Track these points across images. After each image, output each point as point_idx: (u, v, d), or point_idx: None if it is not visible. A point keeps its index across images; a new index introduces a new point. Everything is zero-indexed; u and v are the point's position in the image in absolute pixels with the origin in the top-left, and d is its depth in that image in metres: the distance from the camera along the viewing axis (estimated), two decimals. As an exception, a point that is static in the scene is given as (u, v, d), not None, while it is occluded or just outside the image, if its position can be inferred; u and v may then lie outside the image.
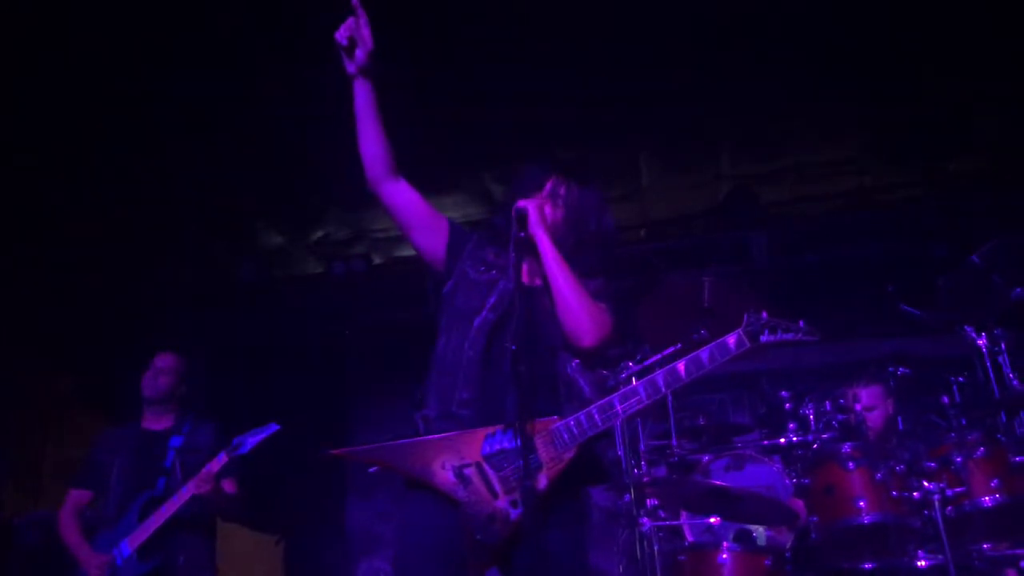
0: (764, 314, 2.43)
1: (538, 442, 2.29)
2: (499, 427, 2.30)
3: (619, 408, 2.31)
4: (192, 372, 4.22)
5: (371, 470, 2.38)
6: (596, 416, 2.30)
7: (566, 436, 2.30)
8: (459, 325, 2.47)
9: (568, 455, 2.28)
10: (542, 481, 2.26)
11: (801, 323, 2.47)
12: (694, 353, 2.36)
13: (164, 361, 4.14)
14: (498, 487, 2.27)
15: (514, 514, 2.23)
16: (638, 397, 2.32)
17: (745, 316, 2.43)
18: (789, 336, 2.45)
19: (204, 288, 6.68)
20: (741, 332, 2.41)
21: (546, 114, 4.95)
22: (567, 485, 2.33)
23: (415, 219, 2.61)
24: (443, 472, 2.30)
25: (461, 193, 5.74)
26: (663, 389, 2.33)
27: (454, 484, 2.28)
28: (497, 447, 2.29)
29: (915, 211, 6.03)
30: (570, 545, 2.33)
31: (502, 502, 2.26)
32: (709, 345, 2.38)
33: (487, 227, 2.65)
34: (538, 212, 2.50)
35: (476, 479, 2.29)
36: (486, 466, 2.29)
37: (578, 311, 2.40)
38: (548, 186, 2.61)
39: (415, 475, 2.32)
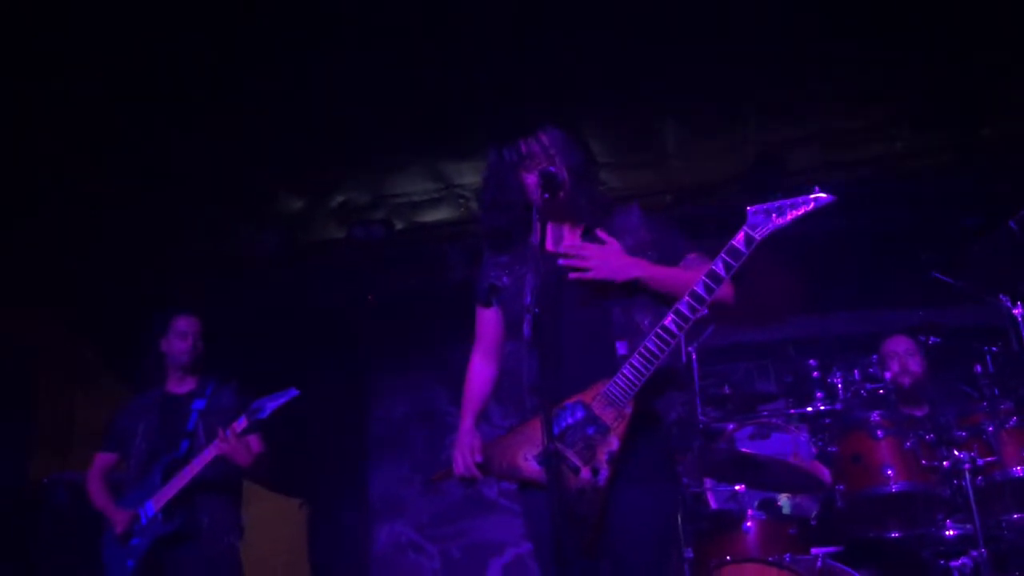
0: (769, 203, 2.25)
1: (595, 407, 2.34)
2: (559, 406, 2.34)
3: (655, 349, 2.28)
4: (207, 332, 4.23)
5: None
6: (638, 365, 2.30)
7: (617, 393, 2.32)
8: (515, 334, 2.54)
9: (628, 410, 2.31)
10: (614, 442, 2.30)
11: (816, 189, 2.23)
12: (708, 267, 2.26)
13: (184, 324, 4.17)
14: (576, 462, 2.32)
15: (600, 480, 2.28)
16: (671, 332, 2.28)
17: (748, 210, 2.27)
18: (801, 211, 2.23)
19: (225, 253, 6.68)
20: (746, 229, 2.25)
21: (569, 79, 4.86)
22: (644, 433, 2.36)
23: None
24: (527, 464, 2.40)
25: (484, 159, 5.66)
26: (690, 316, 2.26)
27: (540, 472, 2.33)
28: (564, 425, 2.34)
29: (948, 177, 5.89)
30: (658, 499, 2.39)
31: (585, 474, 2.30)
32: (720, 254, 2.26)
33: (490, 235, 2.68)
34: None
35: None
36: (560, 446, 2.32)
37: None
38: (523, 149, 2.58)
39: (507, 475, 2.44)
